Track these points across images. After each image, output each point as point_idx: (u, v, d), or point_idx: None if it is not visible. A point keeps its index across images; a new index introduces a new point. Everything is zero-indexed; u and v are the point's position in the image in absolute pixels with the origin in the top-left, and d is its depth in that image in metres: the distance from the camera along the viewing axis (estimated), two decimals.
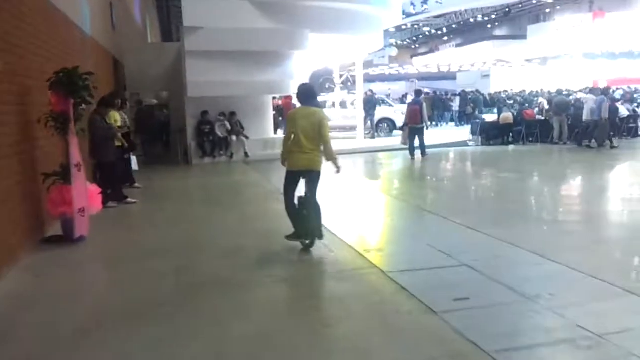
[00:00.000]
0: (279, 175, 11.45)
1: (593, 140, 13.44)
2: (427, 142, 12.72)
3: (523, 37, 39.30)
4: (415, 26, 44.59)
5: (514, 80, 29.83)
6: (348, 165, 11.94)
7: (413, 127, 12.36)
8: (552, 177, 10.40)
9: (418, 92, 13.35)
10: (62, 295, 4.25)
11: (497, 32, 47.21)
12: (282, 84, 13.75)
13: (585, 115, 13.23)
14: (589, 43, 33.77)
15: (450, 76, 42.02)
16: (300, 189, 5.23)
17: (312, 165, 5.05)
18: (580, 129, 13.67)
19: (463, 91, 24.38)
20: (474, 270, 4.49)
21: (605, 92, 13.66)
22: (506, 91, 26.04)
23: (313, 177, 5.11)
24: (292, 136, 5.05)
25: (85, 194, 5.75)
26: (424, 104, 12.92)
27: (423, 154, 12.49)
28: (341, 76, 20.57)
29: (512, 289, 4.01)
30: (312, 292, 4.39)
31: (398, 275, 4.41)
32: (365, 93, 17.06)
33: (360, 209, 7.56)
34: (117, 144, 8.04)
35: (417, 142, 12.47)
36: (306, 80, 19.05)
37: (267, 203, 8.00)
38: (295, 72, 14.28)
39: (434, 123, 21.53)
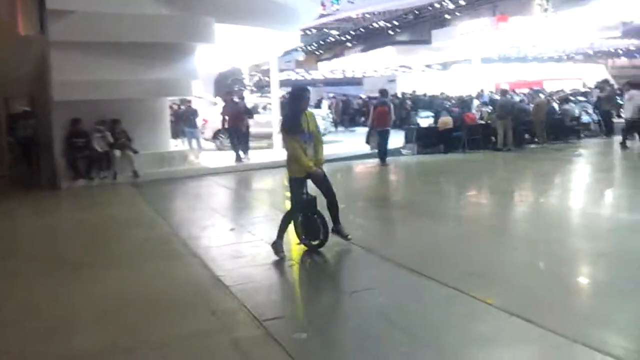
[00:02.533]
0: (180, 206, 8.62)
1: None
2: (351, 152, 12.35)
3: (426, 42, 39.20)
4: (324, 30, 43.28)
5: (419, 85, 29.26)
6: (265, 187, 10.11)
7: (382, 130, 11.27)
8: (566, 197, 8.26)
9: (384, 92, 11.95)
10: None
11: (400, 38, 47.23)
12: (180, 84, 11.08)
13: (632, 113, 12.00)
14: (492, 47, 34.19)
15: (356, 81, 41.32)
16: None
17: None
18: (625, 127, 12.58)
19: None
20: None
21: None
22: (443, 93, 25.01)
23: None
24: None
25: None
26: (391, 105, 11.64)
27: (383, 160, 11.38)
28: (252, 77, 17.97)
29: None
30: None
31: None
32: (283, 96, 14.64)
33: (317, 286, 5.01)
34: None
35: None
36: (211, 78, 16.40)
37: (159, 263, 5.01)
38: (198, 70, 11.59)
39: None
